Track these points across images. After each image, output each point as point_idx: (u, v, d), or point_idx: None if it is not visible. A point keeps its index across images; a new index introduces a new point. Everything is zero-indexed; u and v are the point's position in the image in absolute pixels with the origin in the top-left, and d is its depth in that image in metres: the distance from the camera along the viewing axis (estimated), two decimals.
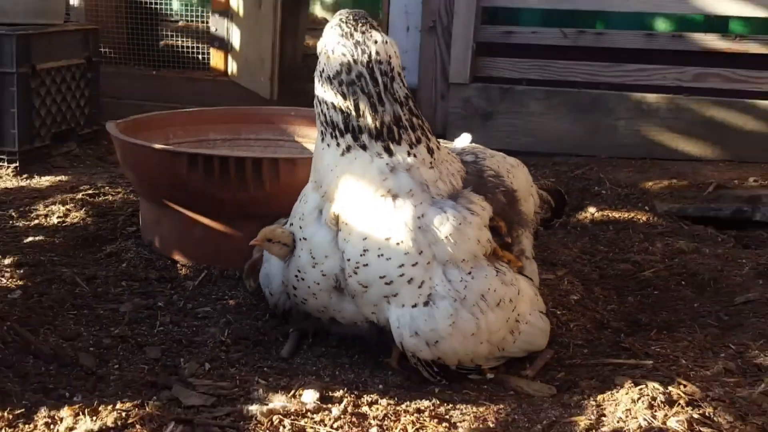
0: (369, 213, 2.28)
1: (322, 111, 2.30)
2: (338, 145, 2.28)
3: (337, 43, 2.26)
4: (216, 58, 6.31)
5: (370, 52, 2.24)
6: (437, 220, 2.28)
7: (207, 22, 6.44)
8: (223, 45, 6.22)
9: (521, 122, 5.23)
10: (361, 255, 2.28)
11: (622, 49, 5.19)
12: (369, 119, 2.24)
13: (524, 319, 2.45)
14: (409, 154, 2.28)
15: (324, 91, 2.28)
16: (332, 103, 2.26)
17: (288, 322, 2.69)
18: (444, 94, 5.39)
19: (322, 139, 2.33)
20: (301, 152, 3.72)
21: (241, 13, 6.03)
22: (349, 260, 2.31)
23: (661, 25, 5.85)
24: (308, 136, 3.76)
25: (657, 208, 4.05)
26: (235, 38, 6.12)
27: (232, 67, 6.20)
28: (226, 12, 6.15)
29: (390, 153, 2.26)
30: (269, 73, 5.65)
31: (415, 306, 2.27)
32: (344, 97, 2.25)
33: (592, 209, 4.10)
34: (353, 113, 2.25)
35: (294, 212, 2.54)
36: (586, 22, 5.63)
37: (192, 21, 6.86)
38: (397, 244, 2.25)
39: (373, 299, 2.32)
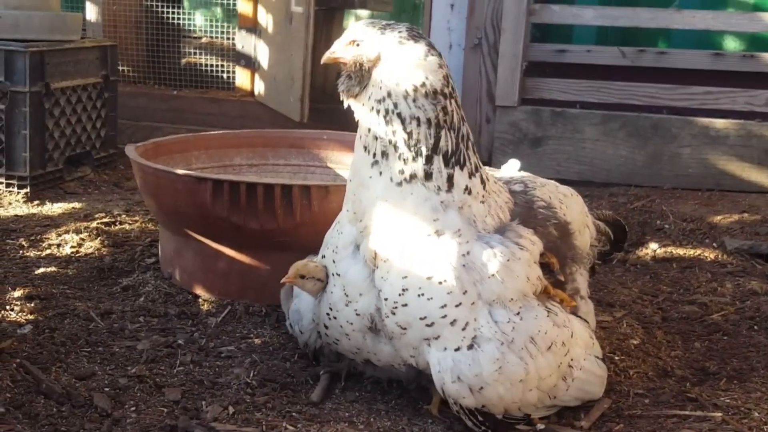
0: (410, 250, 2.29)
1: (386, 132, 2.26)
2: (401, 171, 2.26)
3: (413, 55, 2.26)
4: (242, 77, 6.43)
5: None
6: (484, 256, 2.30)
7: (233, 39, 6.57)
8: (250, 63, 6.34)
9: (574, 149, 5.24)
10: (399, 294, 2.30)
11: (686, 70, 5.20)
12: (449, 141, 2.26)
13: (578, 364, 2.45)
14: (466, 188, 2.30)
15: (389, 110, 2.25)
16: (401, 125, 2.24)
17: (319, 363, 2.72)
18: (490, 117, 5.43)
19: (373, 164, 2.30)
20: (334, 179, 3.77)
21: (269, 29, 6.12)
22: (386, 299, 2.33)
23: (730, 45, 5.84)
24: (341, 162, 3.81)
25: (726, 244, 4.02)
26: (263, 56, 6.22)
27: (260, 86, 6.30)
28: (254, 28, 6.27)
29: (450, 185, 2.27)
30: (299, 93, 5.72)
31: (458, 349, 2.28)
32: (419, 118, 2.24)
33: (653, 245, 4.09)
34: (433, 135, 2.24)
35: (326, 243, 2.57)
36: (646, 41, 5.65)
37: (216, 37, 7.01)
38: (440, 282, 2.27)
39: (413, 342, 2.34)
